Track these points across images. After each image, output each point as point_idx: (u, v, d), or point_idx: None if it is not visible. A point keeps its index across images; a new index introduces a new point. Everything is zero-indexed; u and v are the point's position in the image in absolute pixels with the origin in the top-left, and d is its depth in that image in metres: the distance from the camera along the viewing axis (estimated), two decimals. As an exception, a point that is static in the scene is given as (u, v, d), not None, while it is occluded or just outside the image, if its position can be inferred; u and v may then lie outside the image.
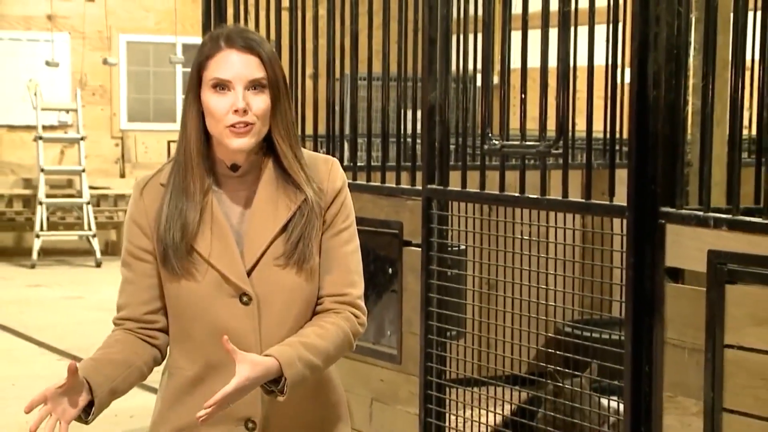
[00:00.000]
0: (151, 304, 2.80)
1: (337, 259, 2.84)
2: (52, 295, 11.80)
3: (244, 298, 2.73)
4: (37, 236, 13.66)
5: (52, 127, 14.41)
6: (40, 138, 13.86)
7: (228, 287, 2.73)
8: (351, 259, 2.87)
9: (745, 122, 4.24)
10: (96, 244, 13.79)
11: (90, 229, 13.86)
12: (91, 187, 14.11)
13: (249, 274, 2.74)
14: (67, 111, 14.55)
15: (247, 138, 2.69)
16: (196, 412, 2.65)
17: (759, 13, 4.03)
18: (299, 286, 2.77)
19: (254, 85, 2.70)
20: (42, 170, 13.78)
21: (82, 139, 14.17)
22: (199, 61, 2.74)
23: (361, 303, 2.88)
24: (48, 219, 13.88)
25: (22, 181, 14.48)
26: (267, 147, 2.79)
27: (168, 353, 2.87)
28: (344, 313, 2.83)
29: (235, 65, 2.69)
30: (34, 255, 13.59)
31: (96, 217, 14.05)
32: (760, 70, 4.04)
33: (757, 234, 3.86)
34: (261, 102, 2.70)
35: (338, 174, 2.87)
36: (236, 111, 2.66)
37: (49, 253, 13.95)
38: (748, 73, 4.13)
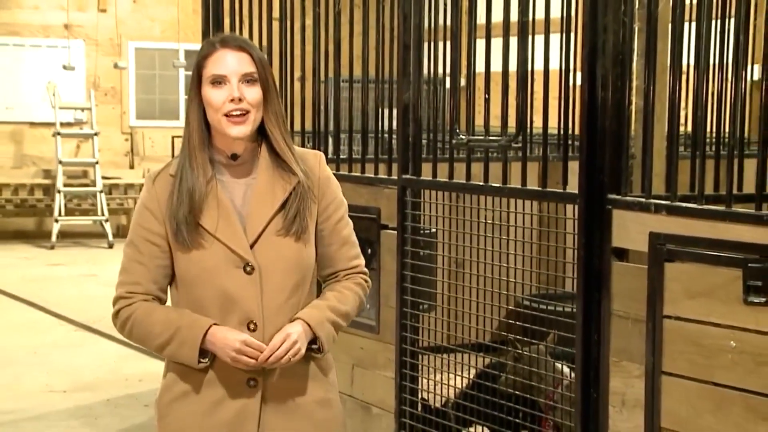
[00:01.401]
0: (159, 282, 2.81)
1: (340, 240, 2.90)
2: (69, 273, 11.77)
3: (248, 268, 2.75)
4: (56, 221, 13.62)
5: (68, 124, 14.35)
6: (58, 133, 13.81)
7: (233, 258, 2.74)
8: (351, 238, 2.95)
9: (682, 120, 4.25)
10: (108, 227, 13.75)
11: (103, 214, 13.82)
12: (103, 177, 14.07)
13: (252, 247, 2.76)
14: (82, 110, 14.49)
15: (243, 126, 2.73)
16: (206, 374, 2.75)
17: (694, 24, 4.05)
18: (297, 256, 2.79)
19: (247, 79, 2.74)
20: (60, 162, 13.74)
21: (95, 134, 14.13)
22: (199, 61, 2.78)
23: (365, 269, 2.99)
24: (65, 205, 13.84)
25: (43, 171, 14.42)
26: (261, 138, 2.81)
27: None
28: (357, 279, 2.94)
29: (229, 62, 2.74)
30: (53, 237, 13.55)
31: (108, 204, 14.01)
32: (694, 74, 4.04)
33: (692, 218, 3.88)
34: (254, 93, 2.74)
35: (326, 165, 2.92)
36: (232, 100, 2.72)
37: (66, 235, 13.90)
38: (684, 77, 4.14)
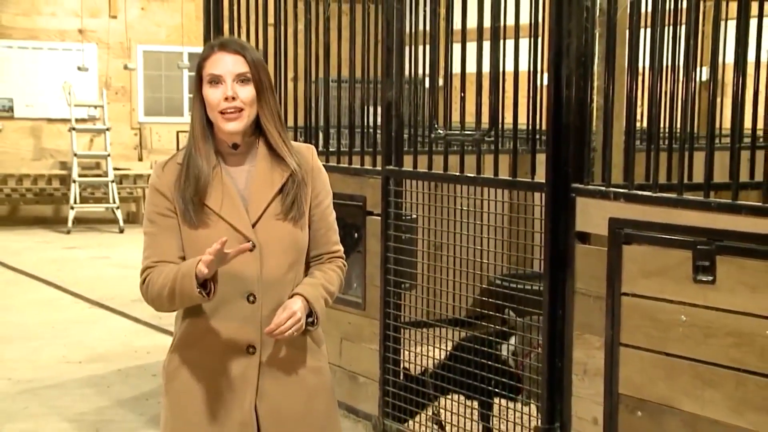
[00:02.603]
0: (179, 252, 2.78)
1: (325, 226, 2.90)
2: (84, 255, 11.73)
3: (250, 246, 2.75)
4: (72, 208, 13.57)
5: (83, 120, 14.29)
6: (74, 129, 13.75)
7: (237, 236, 2.73)
8: (334, 225, 2.95)
9: (638, 116, 4.27)
10: (119, 214, 13.71)
11: (114, 202, 13.77)
12: (115, 169, 14.02)
13: (253, 227, 2.76)
14: (95, 107, 14.43)
15: (236, 122, 2.73)
16: (209, 342, 2.76)
17: (649, 30, 4.06)
18: (294, 236, 2.79)
19: (241, 79, 2.74)
20: (75, 155, 13.69)
21: (107, 129, 14.07)
22: (200, 63, 2.78)
23: (343, 255, 2.99)
24: (80, 194, 13.79)
25: (59, 163, 14.35)
26: (258, 131, 2.81)
27: None
28: (338, 262, 2.95)
29: (225, 63, 2.74)
30: (69, 223, 13.50)
31: (119, 193, 13.96)
32: (649, 75, 4.05)
33: (647, 205, 3.89)
34: (247, 92, 2.74)
35: (317, 157, 2.93)
36: (226, 99, 2.72)
37: (81, 221, 13.86)
38: (640, 78, 4.14)
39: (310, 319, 2.78)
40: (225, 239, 2.55)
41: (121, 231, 13.56)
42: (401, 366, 5.17)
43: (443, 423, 5.02)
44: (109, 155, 13.94)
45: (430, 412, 5.06)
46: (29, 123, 14.44)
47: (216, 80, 2.73)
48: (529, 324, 4.62)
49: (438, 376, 4.95)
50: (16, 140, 14.36)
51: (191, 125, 2.80)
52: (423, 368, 5.07)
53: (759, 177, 4.07)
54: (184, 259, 2.77)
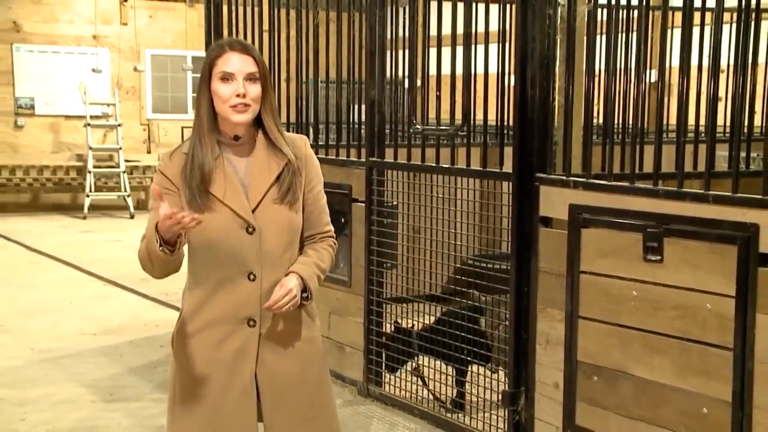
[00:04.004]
0: None
1: (318, 209, 2.88)
2: (98, 238, 11.67)
3: (250, 229, 2.72)
4: (87, 196, 13.47)
5: (97, 117, 14.16)
6: (89, 125, 13.64)
7: (238, 220, 2.72)
8: (326, 208, 2.93)
9: (595, 113, 4.27)
10: (130, 201, 13.63)
11: (125, 191, 13.69)
12: (126, 161, 13.92)
13: (253, 212, 2.74)
14: (108, 105, 14.32)
15: (244, 114, 2.72)
16: (213, 316, 2.75)
17: (604, 36, 4.06)
18: (289, 221, 2.78)
19: (250, 77, 2.72)
20: (90, 148, 13.58)
21: (119, 125, 13.97)
22: (210, 60, 2.75)
23: (334, 234, 2.97)
24: (95, 183, 13.68)
25: (76, 156, 14.25)
26: (257, 125, 2.80)
27: (189, 274, 2.83)
28: (329, 241, 2.92)
29: (236, 62, 2.71)
30: (85, 210, 13.41)
31: (129, 182, 13.87)
32: (605, 76, 4.06)
33: (603, 192, 3.90)
34: (255, 89, 2.72)
35: (309, 147, 2.92)
36: (238, 95, 2.69)
37: (95, 208, 13.76)
38: (596, 79, 4.15)
39: (304, 295, 2.77)
40: (176, 211, 2.50)
41: (132, 217, 13.49)
42: (383, 338, 5.17)
43: (424, 378, 5.01)
44: (120, 148, 13.86)
45: (412, 367, 5.05)
46: (49, 119, 14.34)
47: (228, 77, 2.71)
48: (498, 300, 4.63)
49: (422, 337, 4.93)
50: (37, 135, 14.28)
51: (197, 117, 2.77)
52: (411, 326, 5.04)
53: (701, 167, 4.08)
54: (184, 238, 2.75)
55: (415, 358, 5.01)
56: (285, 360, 2.80)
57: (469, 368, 4.84)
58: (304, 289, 2.77)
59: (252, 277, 2.74)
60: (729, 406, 3.44)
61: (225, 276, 2.73)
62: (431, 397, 5.00)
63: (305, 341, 2.84)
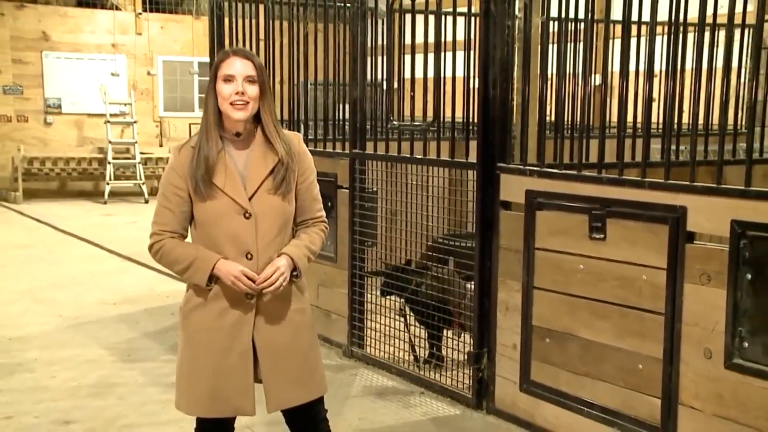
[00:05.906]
0: (182, 224, 2.74)
1: (310, 197, 2.86)
2: (117, 221, 11.60)
3: (247, 215, 2.70)
4: (107, 184, 13.40)
5: (115, 115, 14.08)
6: (108, 122, 13.56)
7: (236, 207, 2.70)
8: (318, 196, 2.91)
9: (548, 112, 4.26)
10: (144, 188, 13.58)
11: (141, 179, 13.62)
12: (141, 153, 13.85)
13: (250, 199, 2.72)
14: (125, 104, 14.21)
15: (243, 111, 2.69)
16: (216, 290, 2.73)
17: (556, 45, 4.05)
18: (282, 207, 2.75)
19: (249, 80, 2.70)
20: (110, 142, 13.50)
21: (134, 122, 13.89)
22: (216, 64, 2.74)
23: (326, 219, 2.95)
24: (114, 173, 13.61)
25: (98, 148, 14.15)
26: (257, 123, 2.77)
27: None
28: (321, 225, 2.90)
29: (238, 66, 2.70)
30: (105, 196, 13.35)
31: (144, 172, 13.81)
32: (557, 79, 4.05)
33: (554, 180, 3.90)
34: (253, 90, 2.70)
35: (303, 143, 2.90)
36: (237, 93, 2.68)
37: (114, 194, 13.68)
38: (549, 82, 4.14)
39: (294, 273, 2.75)
40: (251, 277, 2.67)
41: (146, 202, 13.43)
42: (366, 307, 5.16)
43: (407, 321, 4.97)
44: (136, 142, 13.80)
45: (398, 307, 5.02)
46: (74, 117, 14.23)
47: (229, 79, 2.69)
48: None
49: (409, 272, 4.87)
50: (64, 131, 14.17)
51: (204, 115, 2.76)
52: (407, 260, 4.97)
53: (638, 158, 4.09)
54: (185, 228, 2.75)
55: (400, 298, 4.95)
56: (279, 328, 2.79)
57: (444, 333, 4.84)
58: (295, 267, 2.74)
59: (249, 256, 2.72)
60: (660, 362, 3.46)
61: (226, 255, 2.71)
62: (410, 351, 4.98)
63: (296, 312, 2.83)
